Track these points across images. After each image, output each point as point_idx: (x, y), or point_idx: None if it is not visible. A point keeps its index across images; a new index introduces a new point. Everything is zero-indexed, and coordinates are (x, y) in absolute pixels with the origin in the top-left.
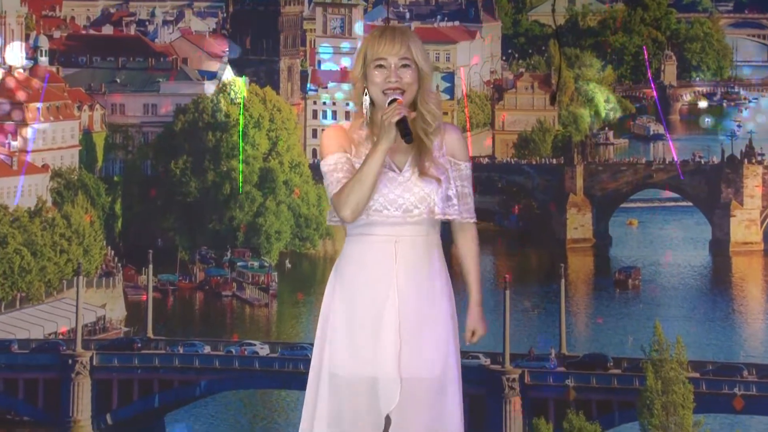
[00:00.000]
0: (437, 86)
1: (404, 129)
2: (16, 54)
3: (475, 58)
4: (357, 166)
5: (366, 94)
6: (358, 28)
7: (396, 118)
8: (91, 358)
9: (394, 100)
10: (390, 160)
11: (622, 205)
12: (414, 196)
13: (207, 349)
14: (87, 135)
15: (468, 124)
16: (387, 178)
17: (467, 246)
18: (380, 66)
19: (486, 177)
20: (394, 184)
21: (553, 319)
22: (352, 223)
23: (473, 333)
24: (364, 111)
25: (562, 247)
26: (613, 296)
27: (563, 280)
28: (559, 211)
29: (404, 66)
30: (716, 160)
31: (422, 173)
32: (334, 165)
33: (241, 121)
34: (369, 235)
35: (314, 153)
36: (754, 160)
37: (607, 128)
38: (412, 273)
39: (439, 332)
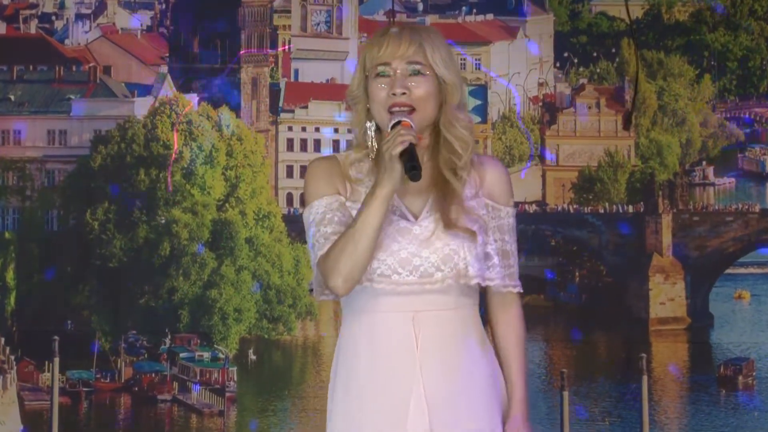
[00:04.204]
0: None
1: (409, 161)
2: None
3: (518, 65)
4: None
5: (371, 120)
6: (350, 24)
7: (399, 149)
8: None
9: (399, 122)
10: (401, 205)
11: (727, 271)
12: (436, 254)
13: None
14: None
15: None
16: (397, 230)
17: (509, 327)
18: (382, 75)
19: (534, 231)
20: (407, 237)
21: (631, 431)
22: (348, 294)
23: None
24: (368, 140)
25: (644, 330)
26: (717, 399)
27: (645, 377)
28: (639, 279)
29: (415, 73)
30: None
31: (447, 225)
32: (322, 215)
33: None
34: (375, 311)
35: (289, 199)
36: None
37: (704, 163)
38: (443, 361)
39: None
